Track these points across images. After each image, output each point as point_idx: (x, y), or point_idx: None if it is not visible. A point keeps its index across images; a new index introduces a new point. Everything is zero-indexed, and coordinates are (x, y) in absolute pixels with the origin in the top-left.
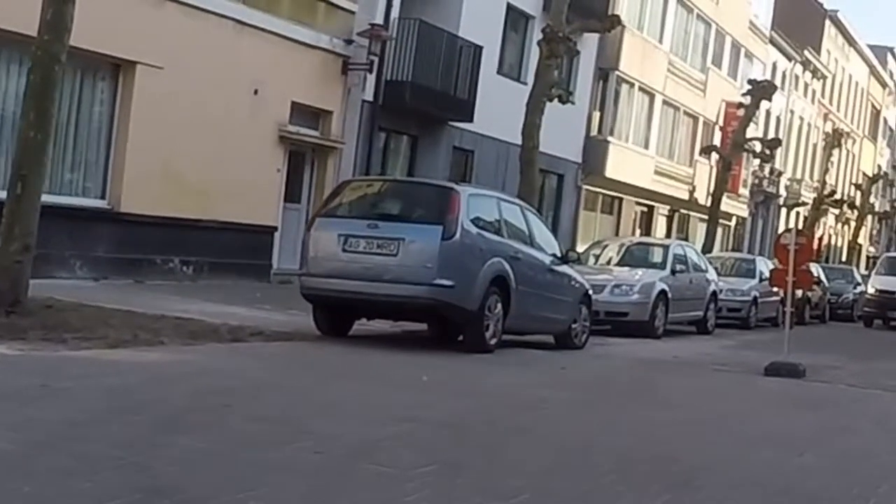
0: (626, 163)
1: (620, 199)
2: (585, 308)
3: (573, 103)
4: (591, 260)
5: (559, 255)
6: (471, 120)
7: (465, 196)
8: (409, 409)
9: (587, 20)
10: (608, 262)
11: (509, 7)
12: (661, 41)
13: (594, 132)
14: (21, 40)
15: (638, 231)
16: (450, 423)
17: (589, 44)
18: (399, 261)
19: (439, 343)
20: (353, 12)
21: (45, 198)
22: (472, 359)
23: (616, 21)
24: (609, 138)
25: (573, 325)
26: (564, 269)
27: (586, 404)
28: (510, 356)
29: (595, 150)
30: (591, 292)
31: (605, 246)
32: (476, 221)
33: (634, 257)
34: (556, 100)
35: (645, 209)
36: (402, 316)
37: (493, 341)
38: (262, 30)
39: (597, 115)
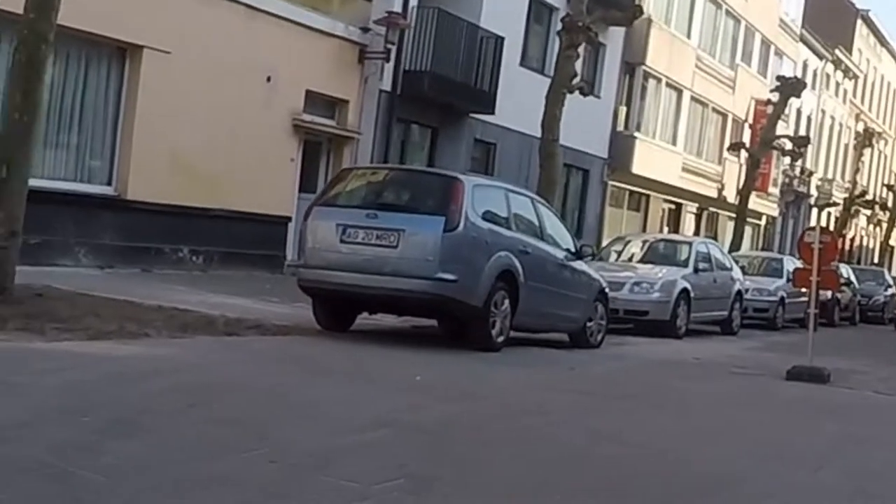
0: (653, 159)
1: (647, 196)
2: (601, 305)
3: (596, 96)
4: (613, 256)
5: (573, 250)
6: (492, 112)
7: (469, 186)
8: (391, 412)
9: (609, 10)
10: (630, 259)
11: None
12: (689, 36)
13: (621, 127)
14: (8, 18)
15: (666, 229)
16: (432, 430)
17: (615, 37)
18: (399, 253)
19: (448, 340)
20: (370, 0)
21: (49, 184)
22: (475, 357)
23: (639, 11)
24: (636, 134)
25: (588, 324)
26: (579, 264)
27: (589, 409)
28: (518, 355)
29: (622, 146)
30: (607, 289)
31: (627, 242)
32: (482, 213)
33: (656, 254)
34: (577, 92)
35: (673, 206)
36: (403, 311)
37: (500, 339)
38: (276, 16)
39: (623, 109)
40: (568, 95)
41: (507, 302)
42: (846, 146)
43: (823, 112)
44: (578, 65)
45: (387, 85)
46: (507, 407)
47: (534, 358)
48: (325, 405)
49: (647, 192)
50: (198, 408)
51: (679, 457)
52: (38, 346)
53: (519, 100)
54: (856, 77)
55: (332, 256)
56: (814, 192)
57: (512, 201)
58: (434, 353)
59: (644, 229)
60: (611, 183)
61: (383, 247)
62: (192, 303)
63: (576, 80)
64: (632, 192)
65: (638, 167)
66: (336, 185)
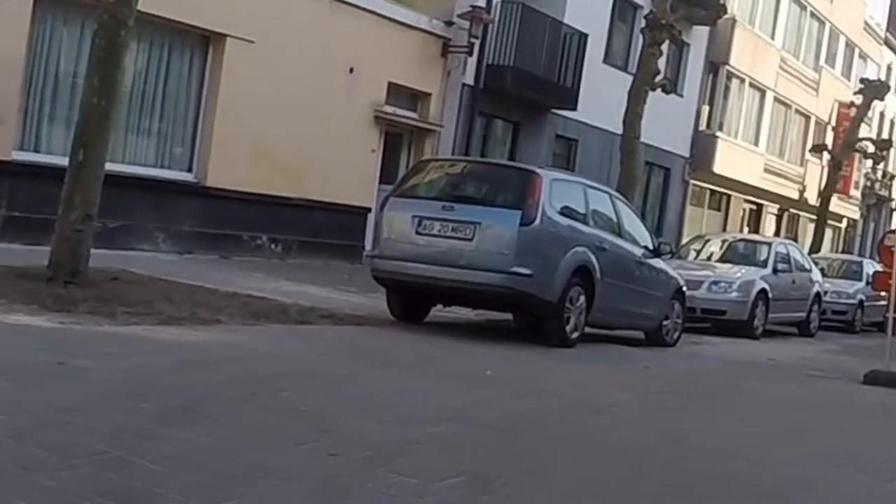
0: (734, 159)
1: (728, 196)
2: (678, 304)
3: (679, 95)
4: (691, 255)
5: (651, 247)
6: (574, 108)
7: (547, 180)
8: (459, 407)
9: (692, 8)
10: (709, 258)
11: None
12: (773, 37)
13: (703, 127)
14: (90, 4)
15: (746, 229)
16: (498, 426)
17: (699, 37)
18: (474, 246)
19: (522, 334)
20: None
21: (131, 169)
22: (548, 353)
23: (722, 10)
24: (718, 133)
25: (665, 322)
26: (656, 262)
27: (660, 409)
28: (591, 352)
29: (703, 145)
30: (684, 288)
31: (707, 241)
32: (559, 208)
33: (735, 254)
34: (659, 89)
35: (754, 207)
36: (478, 304)
37: (575, 335)
38: (359, 8)
39: (706, 109)
40: (650, 93)
41: (582, 298)
42: None
43: None
44: (662, 63)
45: (469, 79)
46: (577, 404)
47: (608, 355)
48: (391, 397)
49: (729, 191)
50: (261, 397)
51: (750, 460)
52: (107, 329)
53: (601, 96)
54: None
55: (407, 248)
56: (895, 195)
57: (590, 197)
58: (507, 347)
59: (724, 229)
60: (692, 182)
61: (458, 239)
62: (268, 290)
63: (658, 78)
64: (713, 192)
65: (719, 167)
66: (413, 177)
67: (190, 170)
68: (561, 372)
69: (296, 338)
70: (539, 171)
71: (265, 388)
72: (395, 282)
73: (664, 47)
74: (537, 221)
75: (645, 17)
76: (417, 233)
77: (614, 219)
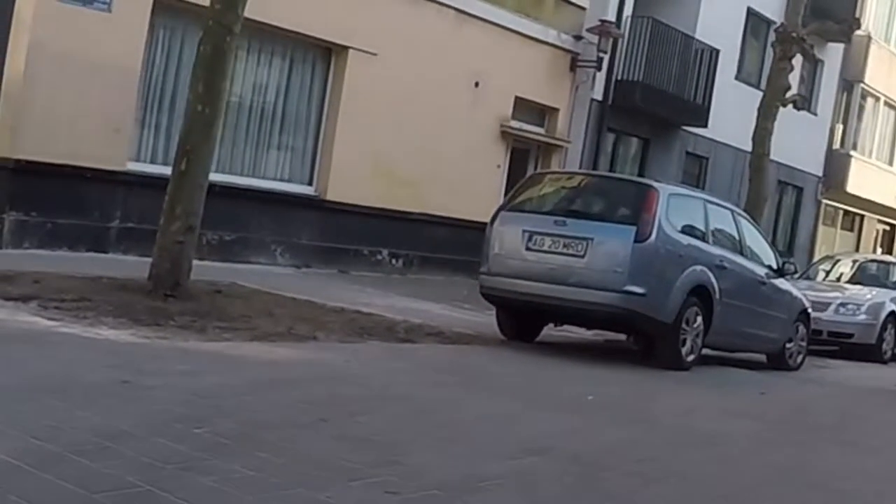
0: (868, 179)
1: (862, 217)
2: (803, 326)
3: (812, 113)
4: (820, 275)
5: (775, 267)
6: (705, 125)
7: (664, 194)
8: (548, 436)
9: (825, 22)
10: (838, 279)
11: (750, 11)
12: None
13: (836, 145)
14: (196, 11)
15: (879, 250)
16: (588, 460)
17: (833, 54)
18: (586, 263)
19: (640, 356)
20: (583, 8)
21: (249, 181)
22: (661, 376)
23: (855, 25)
24: (851, 152)
25: (788, 345)
26: (780, 282)
27: (772, 442)
28: (707, 375)
29: (837, 164)
30: (809, 309)
31: (836, 262)
32: (676, 224)
33: (865, 275)
34: (790, 105)
35: (887, 228)
36: (589, 324)
37: (690, 358)
38: (486, 21)
39: (839, 127)
40: (783, 111)
41: (699, 319)
42: None
43: None
44: (794, 79)
45: (598, 94)
46: (680, 435)
47: (723, 379)
48: (475, 425)
49: (862, 212)
50: (330, 423)
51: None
52: (191, 345)
53: (734, 114)
54: None
55: (516, 264)
56: None
57: (710, 213)
58: (618, 369)
59: (857, 250)
60: (825, 201)
61: (570, 255)
62: (379, 306)
63: (789, 94)
64: (846, 212)
65: (853, 187)
66: (525, 191)
67: (310, 183)
68: (670, 397)
69: (392, 357)
70: (656, 184)
71: (339, 412)
72: (503, 299)
73: (795, 62)
74: (653, 238)
75: (775, 31)
76: (527, 248)
77: (736, 236)
